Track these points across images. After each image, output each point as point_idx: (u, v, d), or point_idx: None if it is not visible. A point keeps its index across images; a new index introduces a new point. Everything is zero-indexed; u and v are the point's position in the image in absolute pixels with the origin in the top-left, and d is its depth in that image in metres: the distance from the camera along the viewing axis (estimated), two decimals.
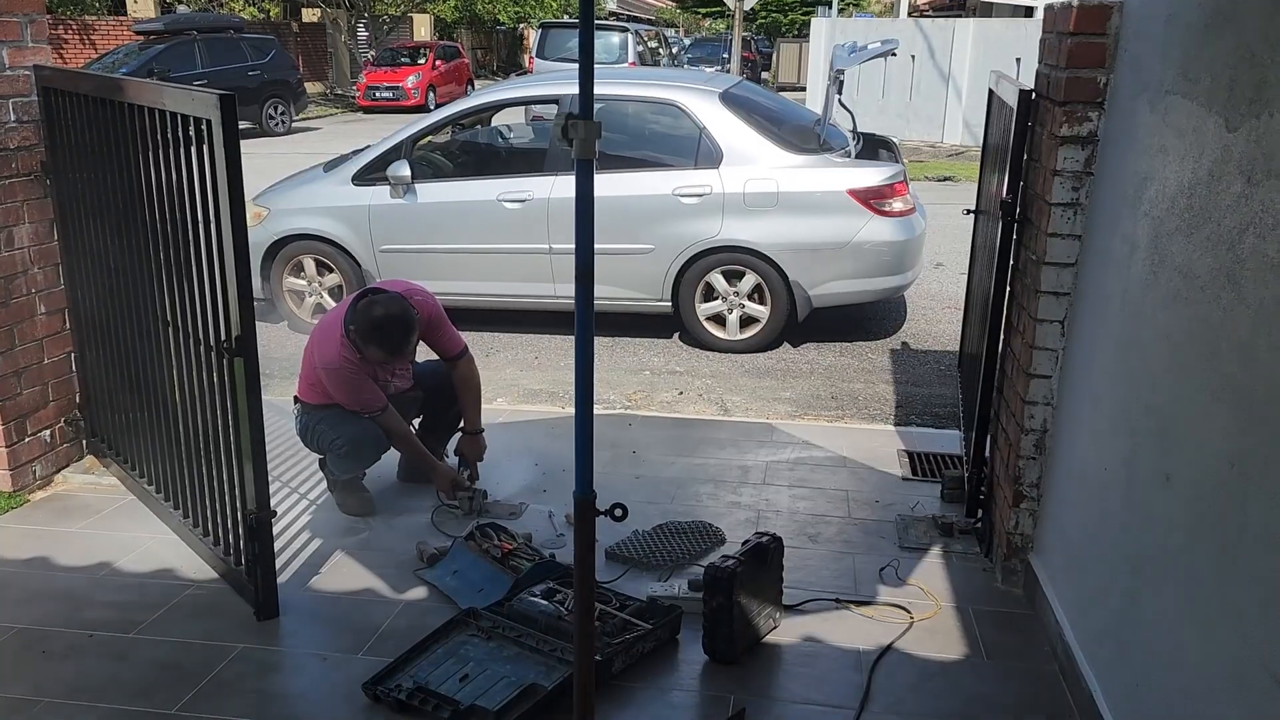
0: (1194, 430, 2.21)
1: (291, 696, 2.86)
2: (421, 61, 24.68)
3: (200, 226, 3.03)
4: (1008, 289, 3.68)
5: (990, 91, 4.85)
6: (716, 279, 6.58)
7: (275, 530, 3.36)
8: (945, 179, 13.79)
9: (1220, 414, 2.08)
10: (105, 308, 3.94)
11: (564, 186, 6.62)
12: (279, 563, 3.44)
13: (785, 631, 3.21)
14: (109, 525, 3.88)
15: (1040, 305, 3.26)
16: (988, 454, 3.87)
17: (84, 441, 4.40)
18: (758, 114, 6.72)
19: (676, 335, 7.05)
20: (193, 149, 3.03)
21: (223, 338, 2.98)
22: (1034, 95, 3.46)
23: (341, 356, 3.68)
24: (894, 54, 6.69)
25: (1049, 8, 3.43)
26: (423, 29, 32.67)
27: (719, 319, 6.68)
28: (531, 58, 18.31)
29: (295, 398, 3.98)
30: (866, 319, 7.37)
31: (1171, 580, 2.29)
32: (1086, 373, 3.03)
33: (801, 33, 35.87)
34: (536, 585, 3.28)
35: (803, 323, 6.61)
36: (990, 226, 4.30)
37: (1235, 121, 2.12)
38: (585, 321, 2.07)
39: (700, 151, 6.50)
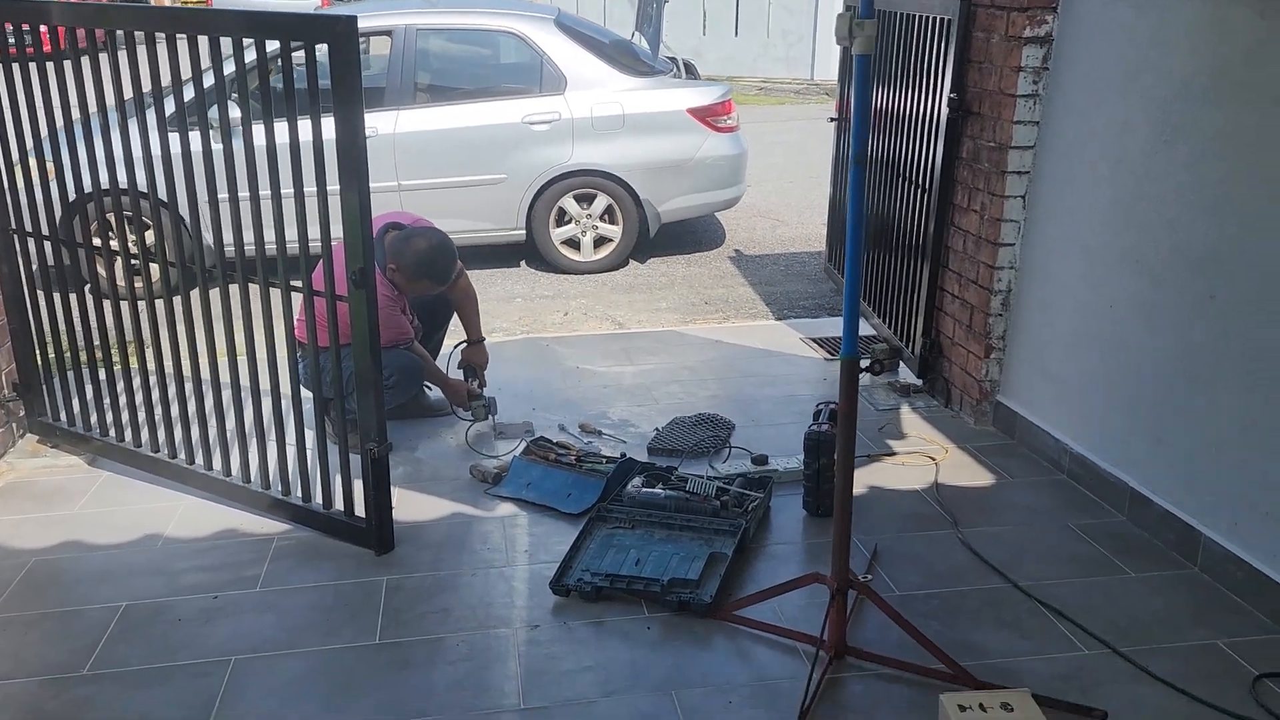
0: (1237, 259, 2.88)
1: (478, 608, 2.90)
2: None
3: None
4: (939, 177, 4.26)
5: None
6: (569, 203, 6.78)
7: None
8: None
9: (1269, 240, 2.74)
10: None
11: (408, 121, 6.52)
12: (339, 504, 3.37)
13: None
14: (113, 500, 3.56)
15: (1007, 184, 3.88)
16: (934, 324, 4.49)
17: (14, 425, 3.93)
18: (589, 39, 6.92)
19: (523, 262, 7.18)
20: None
21: (351, 273, 2.88)
22: (973, 5, 4.03)
23: (383, 295, 3.62)
24: None
25: None
26: None
27: (573, 242, 6.90)
28: None
29: (300, 343, 3.82)
30: (696, 233, 7.88)
31: (1209, 379, 2.97)
32: (1067, 231, 3.68)
33: None
34: (630, 480, 3.49)
35: (643, 242, 6.98)
36: (882, 132, 4.90)
37: (1270, 11, 2.76)
38: (858, 200, 2.35)
39: (544, 78, 6.63)
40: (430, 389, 4.33)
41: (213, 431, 3.47)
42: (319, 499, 3.31)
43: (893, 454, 3.92)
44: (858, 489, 3.63)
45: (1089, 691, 2.52)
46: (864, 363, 2.67)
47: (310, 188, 2.90)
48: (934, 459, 3.87)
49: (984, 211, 4.03)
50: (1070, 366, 3.71)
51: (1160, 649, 2.68)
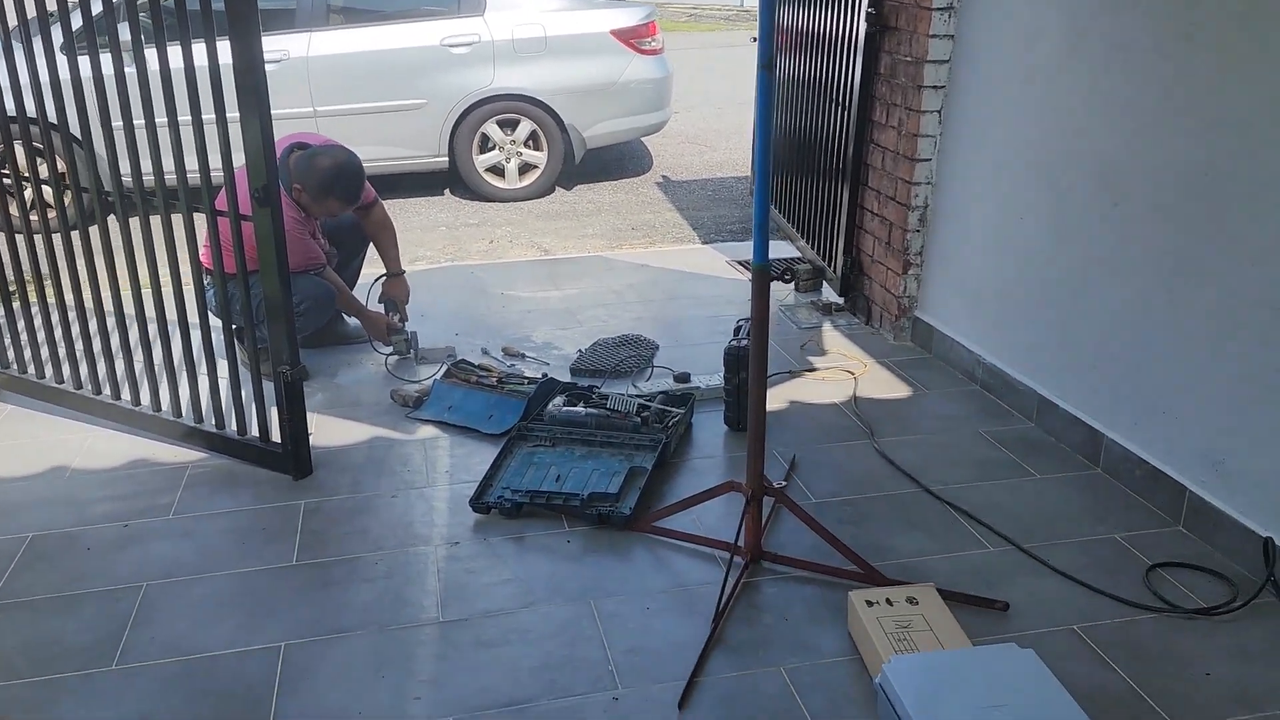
0: (1138, 166, 2.93)
1: (397, 527, 2.90)
2: None
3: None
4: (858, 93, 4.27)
5: None
6: (492, 129, 6.67)
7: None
8: None
9: (1187, 135, 2.79)
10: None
11: (321, 43, 6.33)
12: (255, 432, 3.32)
13: (770, 399, 3.70)
14: (18, 434, 3.47)
15: (923, 98, 3.89)
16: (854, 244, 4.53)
17: None
18: None
19: (447, 190, 7.07)
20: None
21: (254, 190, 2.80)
22: None
23: (290, 218, 3.52)
24: None
25: None
26: None
27: (497, 169, 6.80)
28: None
29: (207, 271, 3.73)
30: (623, 160, 7.81)
31: (1111, 285, 3.04)
32: (979, 144, 3.71)
33: None
34: (551, 399, 3.48)
35: (569, 168, 6.91)
36: (802, 51, 4.88)
37: None
38: (765, 105, 2.33)
39: None
40: (349, 316, 4.27)
41: (121, 362, 3.39)
42: (234, 426, 3.26)
43: (813, 370, 3.97)
44: (779, 404, 3.68)
45: (992, 585, 2.60)
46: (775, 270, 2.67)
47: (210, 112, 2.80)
48: (853, 374, 3.93)
49: (901, 127, 4.04)
50: (983, 280, 3.77)
51: (1061, 544, 2.78)
